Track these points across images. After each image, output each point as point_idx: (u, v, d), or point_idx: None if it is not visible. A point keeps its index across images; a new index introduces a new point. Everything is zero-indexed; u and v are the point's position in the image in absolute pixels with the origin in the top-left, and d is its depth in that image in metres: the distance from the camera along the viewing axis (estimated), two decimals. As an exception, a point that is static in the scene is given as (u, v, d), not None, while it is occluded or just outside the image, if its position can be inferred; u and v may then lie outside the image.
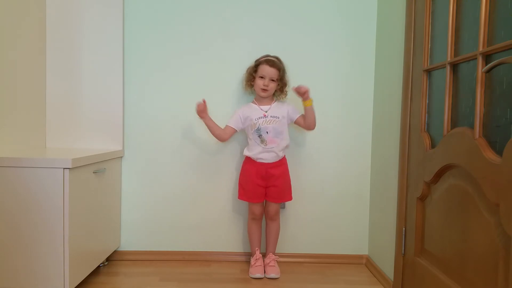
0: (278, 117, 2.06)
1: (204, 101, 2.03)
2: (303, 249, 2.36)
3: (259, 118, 2.05)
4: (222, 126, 2.16)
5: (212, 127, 2.08)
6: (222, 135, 2.10)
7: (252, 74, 2.09)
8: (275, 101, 2.14)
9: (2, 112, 1.82)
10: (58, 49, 2.19)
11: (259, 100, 2.11)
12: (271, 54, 2.11)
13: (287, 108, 2.10)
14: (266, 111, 2.07)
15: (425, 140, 1.65)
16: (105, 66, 2.21)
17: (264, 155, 2.05)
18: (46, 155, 1.75)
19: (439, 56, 1.60)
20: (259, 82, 2.04)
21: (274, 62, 2.05)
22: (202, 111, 2.03)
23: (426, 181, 1.63)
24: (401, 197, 1.84)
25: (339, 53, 2.30)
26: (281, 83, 2.09)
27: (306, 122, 2.08)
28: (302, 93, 1.97)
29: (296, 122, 2.12)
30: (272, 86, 2.04)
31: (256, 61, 2.10)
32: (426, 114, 1.68)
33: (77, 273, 1.74)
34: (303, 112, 2.10)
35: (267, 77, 2.03)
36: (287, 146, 2.11)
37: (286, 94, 2.14)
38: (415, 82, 1.76)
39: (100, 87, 2.21)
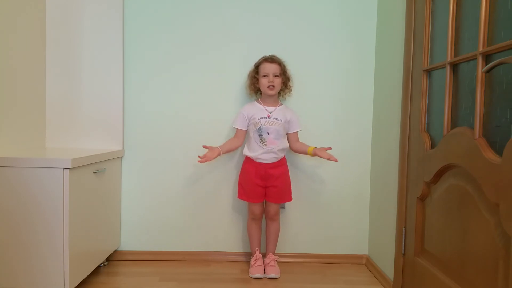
0: (281, 120, 2.06)
1: (206, 148, 2.04)
2: (303, 249, 2.36)
3: (262, 118, 2.06)
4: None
5: (229, 149, 2.11)
6: (237, 143, 2.12)
7: (255, 76, 2.10)
8: (281, 104, 2.14)
9: (2, 112, 1.82)
10: (58, 49, 2.19)
11: (265, 100, 2.11)
12: (269, 54, 2.12)
13: (291, 116, 2.10)
14: (270, 112, 2.07)
15: (425, 140, 1.65)
16: (105, 66, 2.21)
17: (264, 155, 2.05)
18: (46, 155, 1.75)
19: (439, 56, 1.60)
20: (264, 81, 2.05)
21: (274, 58, 2.08)
22: (211, 156, 2.01)
23: (426, 181, 1.63)
24: (401, 197, 1.84)
25: (339, 53, 2.30)
26: (284, 77, 2.10)
27: (297, 145, 2.12)
28: (325, 157, 2.01)
29: (288, 135, 2.12)
30: (278, 81, 2.05)
31: (255, 64, 2.12)
32: (426, 114, 1.68)
33: (77, 273, 1.74)
34: (301, 129, 2.13)
35: (270, 74, 2.03)
36: (286, 149, 2.11)
37: (290, 90, 2.16)
38: (415, 82, 1.76)
39: (100, 87, 2.21)
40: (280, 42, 2.27)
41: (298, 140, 2.14)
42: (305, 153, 2.11)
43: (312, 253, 2.36)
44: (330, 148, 2.06)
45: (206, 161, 1.99)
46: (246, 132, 2.12)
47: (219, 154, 2.04)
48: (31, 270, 1.64)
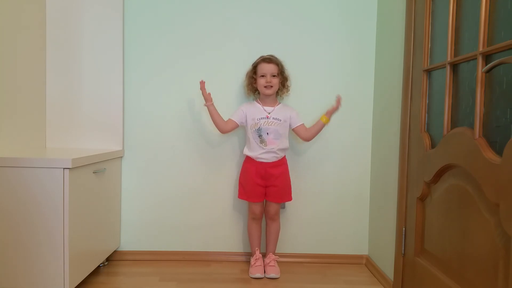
0: (280, 120, 2.06)
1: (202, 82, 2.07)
2: (303, 249, 2.36)
3: (261, 118, 2.06)
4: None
5: (214, 115, 2.10)
6: (223, 126, 2.11)
7: (253, 76, 2.10)
8: (279, 103, 2.14)
9: (2, 112, 1.82)
10: (58, 49, 2.19)
11: (263, 100, 2.11)
12: (267, 54, 2.13)
13: (290, 113, 2.10)
14: (269, 113, 2.07)
15: (425, 140, 1.65)
16: (105, 66, 2.21)
17: (264, 155, 2.06)
18: (46, 155, 1.75)
19: (439, 56, 1.60)
20: (261, 81, 2.05)
21: (271, 59, 2.08)
22: (203, 88, 2.06)
23: (426, 181, 1.63)
24: (401, 197, 1.84)
25: (339, 53, 2.30)
26: (282, 77, 2.10)
27: (309, 132, 2.11)
28: (337, 106, 2.06)
29: (295, 130, 2.12)
30: (275, 81, 2.05)
31: (253, 64, 2.12)
32: (426, 114, 1.68)
33: (77, 273, 1.74)
34: (304, 122, 2.12)
35: (268, 74, 2.04)
36: (286, 149, 2.11)
37: (288, 89, 2.16)
38: (415, 82, 1.76)
39: (100, 87, 2.21)
40: (280, 42, 2.27)
41: (307, 129, 2.13)
42: (322, 126, 2.10)
43: (312, 253, 2.36)
44: (338, 99, 2.09)
45: (203, 87, 2.07)
46: (237, 126, 2.12)
47: (210, 101, 2.07)
48: (31, 270, 1.64)
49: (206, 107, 2.09)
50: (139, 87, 2.28)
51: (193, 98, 2.29)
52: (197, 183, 2.32)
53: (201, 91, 2.07)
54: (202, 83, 2.07)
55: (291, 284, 2.02)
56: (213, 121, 2.11)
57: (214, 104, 2.08)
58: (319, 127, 2.10)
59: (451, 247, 1.44)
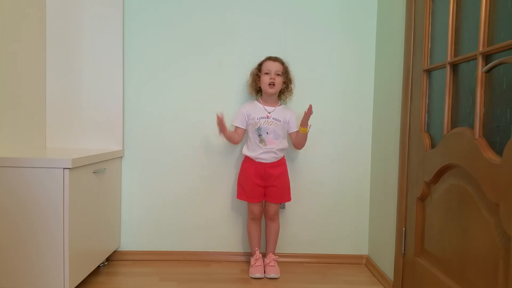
0: (280, 121, 2.07)
1: (222, 115, 2.02)
2: (303, 249, 2.36)
3: (261, 117, 2.06)
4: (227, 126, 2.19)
5: (230, 138, 2.11)
6: (237, 139, 2.13)
7: (257, 74, 2.10)
8: (281, 104, 2.14)
9: (2, 112, 1.82)
10: (58, 49, 2.19)
11: (265, 100, 2.11)
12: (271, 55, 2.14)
13: (290, 116, 2.10)
14: (269, 112, 2.08)
15: (425, 140, 1.65)
16: (105, 66, 2.21)
17: (263, 155, 2.06)
18: (46, 155, 1.75)
19: (439, 56, 1.60)
20: (265, 79, 2.05)
21: (277, 58, 2.09)
22: (222, 123, 2.00)
23: (426, 181, 1.63)
24: (401, 197, 1.84)
25: (339, 53, 2.30)
26: (286, 78, 2.10)
27: (296, 141, 2.10)
28: (307, 114, 1.93)
29: (290, 135, 2.13)
30: (279, 80, 2.05)
31: (258, 63, 2.13)
32: (426, 114, 1.68)
33: (77, 273, 1.74)
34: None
35: (272, 72, 2.04)
36: (285, 149, 2.12)
37: (291, 92, 2.16)
38: (415, 82, 1.76)
39: (100, 87, 2.21)
40: (280, 42, 2.27)
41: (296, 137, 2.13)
42: (304, 135, 2.04)
43: (312, 253, 2.36)
44: (309, 107, 1.93)
45: (221, 122, 1.99)
46: (245, 130, 2.12)
47: (224, 128, 2.02)
48: (31, 270, 1.64)
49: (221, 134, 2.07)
50: (139, 87, 2.28)
51: (193, 98, 2.29)
52: (197, 183, 2.32)
53: (218, 126, 2.01)
54: (220, 119, 1.98)
55: (291, 284, 2.02)
56: (229, 141, 2.15)
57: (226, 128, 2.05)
58: (302, 137, 2.07)
59: (451, 247, 1.44)
